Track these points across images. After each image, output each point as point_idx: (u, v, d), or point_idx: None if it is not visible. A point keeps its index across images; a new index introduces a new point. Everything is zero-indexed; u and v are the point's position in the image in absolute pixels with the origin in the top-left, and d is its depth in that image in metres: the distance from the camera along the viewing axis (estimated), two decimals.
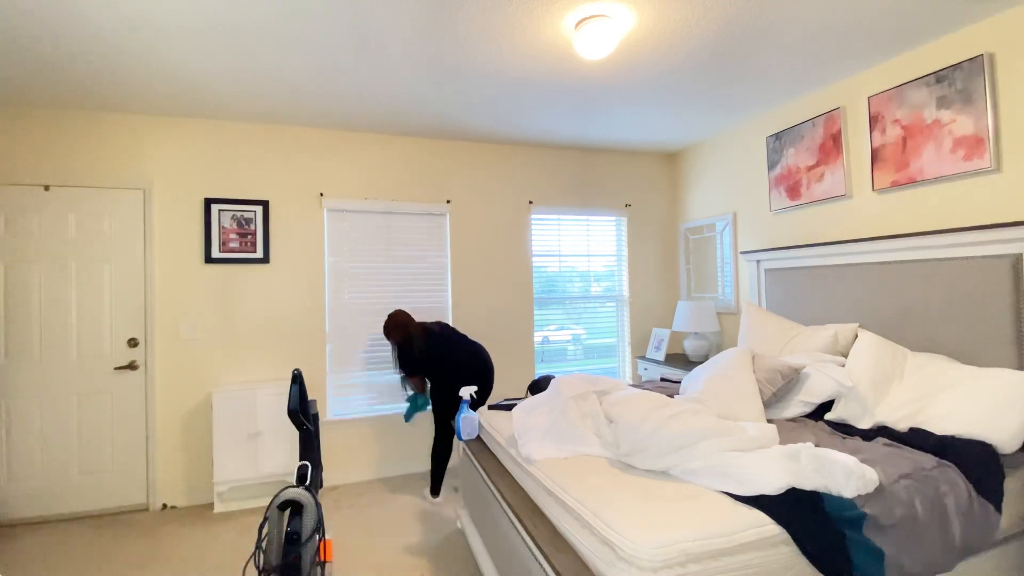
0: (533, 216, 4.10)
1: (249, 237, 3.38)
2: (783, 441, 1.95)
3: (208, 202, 3.29)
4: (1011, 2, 2.14)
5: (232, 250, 3.35)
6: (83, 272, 3.11)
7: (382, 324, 3.43)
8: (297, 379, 2.15)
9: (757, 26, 2.29)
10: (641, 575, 1.23)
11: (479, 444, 2.53)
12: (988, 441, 1.81)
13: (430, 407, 3.44)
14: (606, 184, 4.28)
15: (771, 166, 3.37)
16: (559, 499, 1.61)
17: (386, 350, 3.67)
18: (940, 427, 1.92)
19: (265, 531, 1.73)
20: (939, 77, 2.41)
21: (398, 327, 3.23)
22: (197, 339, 3.29)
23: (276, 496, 1.77)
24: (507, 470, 2.14)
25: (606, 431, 1.98)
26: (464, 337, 3.33)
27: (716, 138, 3.94)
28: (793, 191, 3.21)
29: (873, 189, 2.73)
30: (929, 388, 2.09)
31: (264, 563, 1.68)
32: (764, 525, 1.38)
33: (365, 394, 3.67)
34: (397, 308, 3.67)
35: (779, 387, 2.30)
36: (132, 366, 3.16)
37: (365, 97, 3.01)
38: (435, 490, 3.19)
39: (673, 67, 2.69)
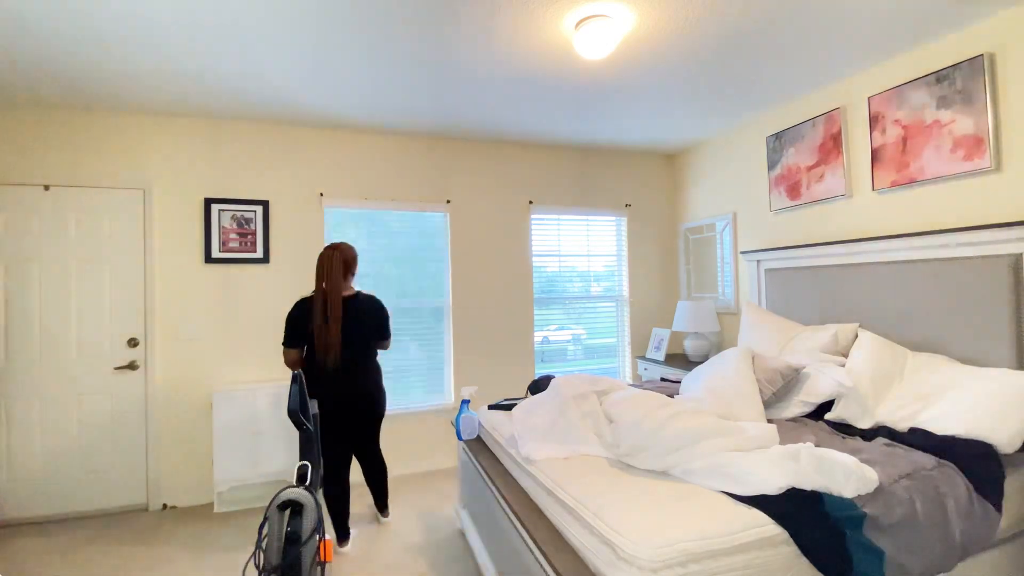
0: (533, 216, 4.10)
1: (249, 237, 3.38)
2: (783, 441, 1.95)
3: (208, 202, 3.29)
4: (1011, 2, 2.14)
5: (232, 250, 3.35)
6: (83, 272, 3.10)
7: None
8: (297, 379, 2.14)
9: (757, 26, 2.29)
10: (641, 575, 1.23)
11: (479, 444, 2.53)
12: (988, 441, 1.81)
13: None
14: (606, 184, 4.28)
15: (771, 166, 3.37)
16: (559, 499, 1.61)
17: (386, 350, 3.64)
18: (940, 427, 1.92)
19: (265, 531, 1.73)
20: (939, 77, 2.41)
21: (354, 263, 2.63)
22: (197, 339, 3.29)
23: (276, 496, 1.77)
24: (507, 470, 2.14)
25: (606, 431, 1.98)
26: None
27: (716, 138, 3.94)
28: (793, 191, 3.21)
29: (873, 189, 2.73)
30: (929, 388, 2.09)
31: (264, 563, 1.68)
32: (764, 525, 1.38)
33: None
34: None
35: (779, 387, 2.30)
36: (132, 366, 3.16)
37: (365, 97, 3.01)
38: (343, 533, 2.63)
39: (673, 67, 2.69)
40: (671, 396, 2.55)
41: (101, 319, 3.13)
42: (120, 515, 3.10)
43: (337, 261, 2.54)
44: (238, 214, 3.36)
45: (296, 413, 2.09)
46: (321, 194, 3.55)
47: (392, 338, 2.89)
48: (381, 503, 2.91)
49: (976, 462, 1.74)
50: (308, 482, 1.96)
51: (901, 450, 1.82)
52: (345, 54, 2.47)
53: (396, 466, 3.67)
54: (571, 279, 4.23)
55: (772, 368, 2.35)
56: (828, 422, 2.22)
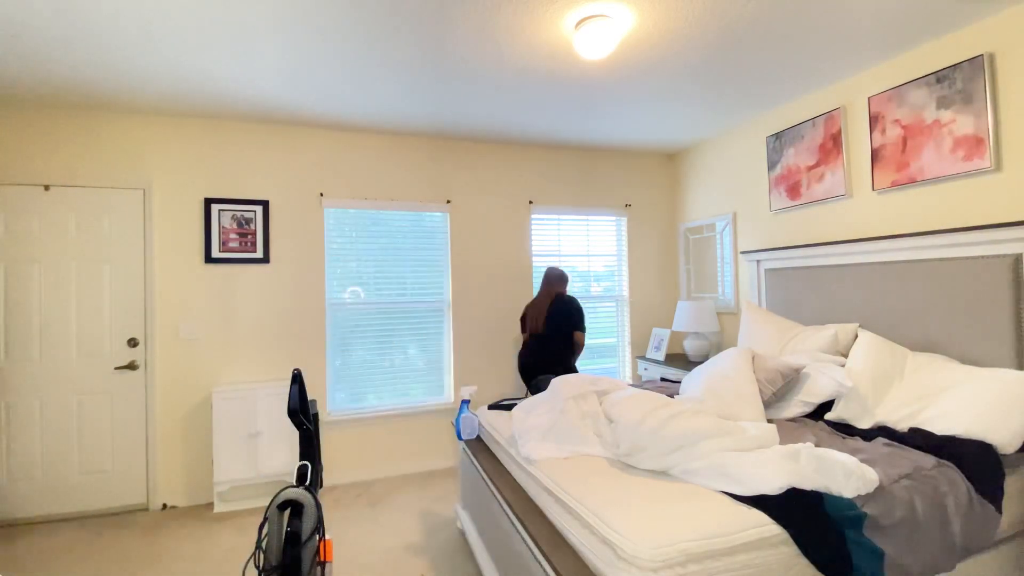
0: (533, 216, 4.09)
1: (249, 237, 3.38)
2: (783, 441, 1.95)
3: (208, 202, 3.29)
4: (1011, 2, 2.14)
5: (232, 250, 3.35)
6: (83, 272, 3.11)
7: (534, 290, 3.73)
8: (297, 379, 2.14)
9: (757, 26, 2.29)
10: (641, 575, 1.23)
11: (479, 444, 2.53)
12: (988, 441, 1.81)
13: None
14: (606, 184, 4.28)
15: (771, 166, 3.37)
16: (559, 499, 1.61)
17: (386, 350, 3.67)
18: (940, 427, 1.92)
19: (265, 531, 1.72)
20: (939, 77, 2.41)
21: (562, 280, 3.56)
22: (197, 339, 3.29)
23: (276, 496, 1.77)
24: (507, 470, 2.14)
25: (606, 431, 1.98)
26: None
27: (716, 138, 3.94)
28: (793, 191, 3.21)
29: (873, 189, 2.73)
30: (929, 388, 2.09)
31: (264, 563, 1.68)
32: (764, 525, 1.38)
33: (365, 393, 3.67)
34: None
35: (779, 387, 2.30)
36: (132, 366, 3.16)
37: (365, 97, 3.01)
38: None
39: (673, 67, 2.69)
40: (671, 396, 2.55)
41: (101, 319, 3.13)
42: (120, 515, 3.10)
43: (550, 275, 3.56)
44: (238, 214, 3.36)
45: (296, 413, 2.09)
46: (321, 194, 3.55)
47: (586, 332, 3.53)
48: None
49: (976, 462, 1.74)
50: (308, 482, 1.96)
51: (901, 450, 1.82)
52: (345, 54, 2.47)
53: (396, 466, 3.67)
54: (571, 279, 4.22)
55: (772, 368, 2.35)
56: (828, 422, 2.22)
